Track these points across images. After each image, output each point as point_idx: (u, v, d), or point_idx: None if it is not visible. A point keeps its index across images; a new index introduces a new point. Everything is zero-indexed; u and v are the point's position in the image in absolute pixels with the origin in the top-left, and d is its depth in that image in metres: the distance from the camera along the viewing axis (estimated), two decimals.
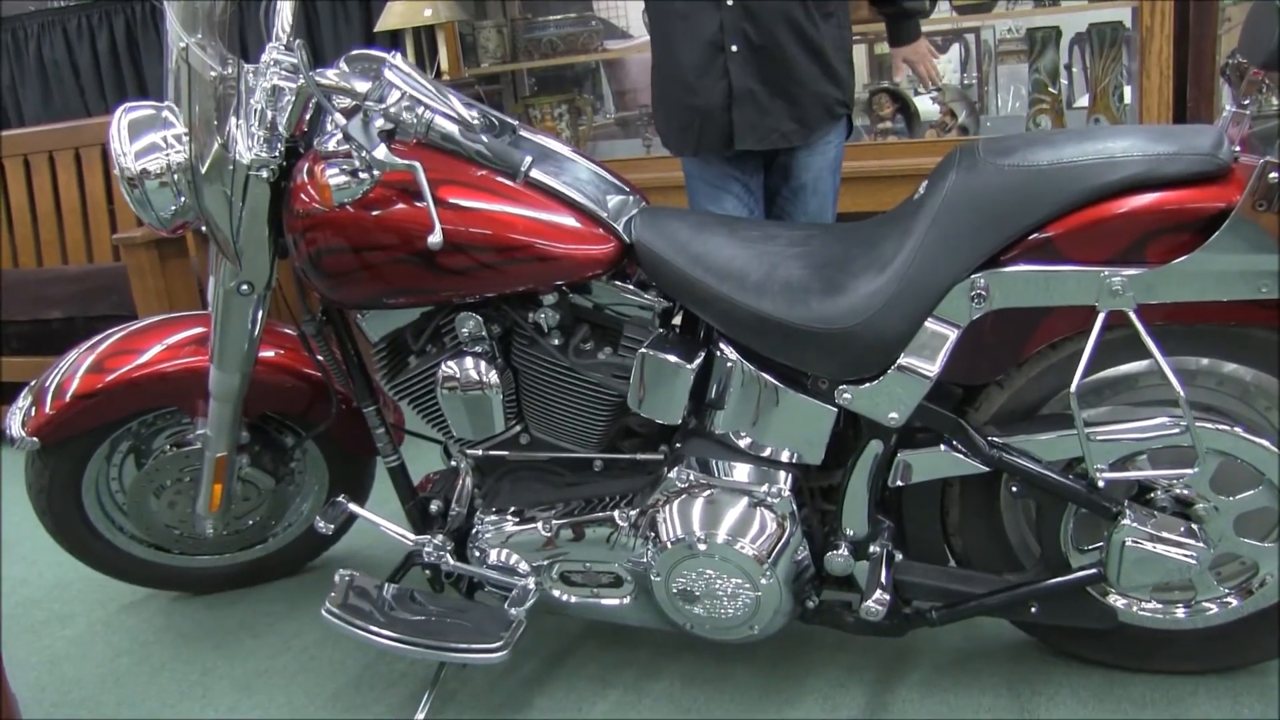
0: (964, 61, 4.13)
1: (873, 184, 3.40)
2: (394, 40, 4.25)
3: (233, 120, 1.88)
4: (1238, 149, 1.64)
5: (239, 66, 1.88)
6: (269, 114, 1.86)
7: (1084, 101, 3.69)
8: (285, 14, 1.87)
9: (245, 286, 2.01)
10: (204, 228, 1.99)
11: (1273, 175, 1.50)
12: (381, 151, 1.71)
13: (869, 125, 3.78)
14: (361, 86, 1.76)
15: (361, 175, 1.78)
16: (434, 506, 2.17)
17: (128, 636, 2.50)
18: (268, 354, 2.29)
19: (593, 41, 4.18)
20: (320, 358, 2.16)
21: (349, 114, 1.77)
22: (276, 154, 1.87)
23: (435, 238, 1.71)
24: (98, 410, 2.30)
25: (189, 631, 2.49)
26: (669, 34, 2.56)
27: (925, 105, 3.69)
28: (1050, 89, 3.47)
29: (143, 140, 1.97)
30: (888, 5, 2.73)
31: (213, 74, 1.82)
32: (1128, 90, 3.37)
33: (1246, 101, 1.67)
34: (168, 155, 1.96)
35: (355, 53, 1.96)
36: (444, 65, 4.15)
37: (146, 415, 2.39)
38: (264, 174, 1.87)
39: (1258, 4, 1.61)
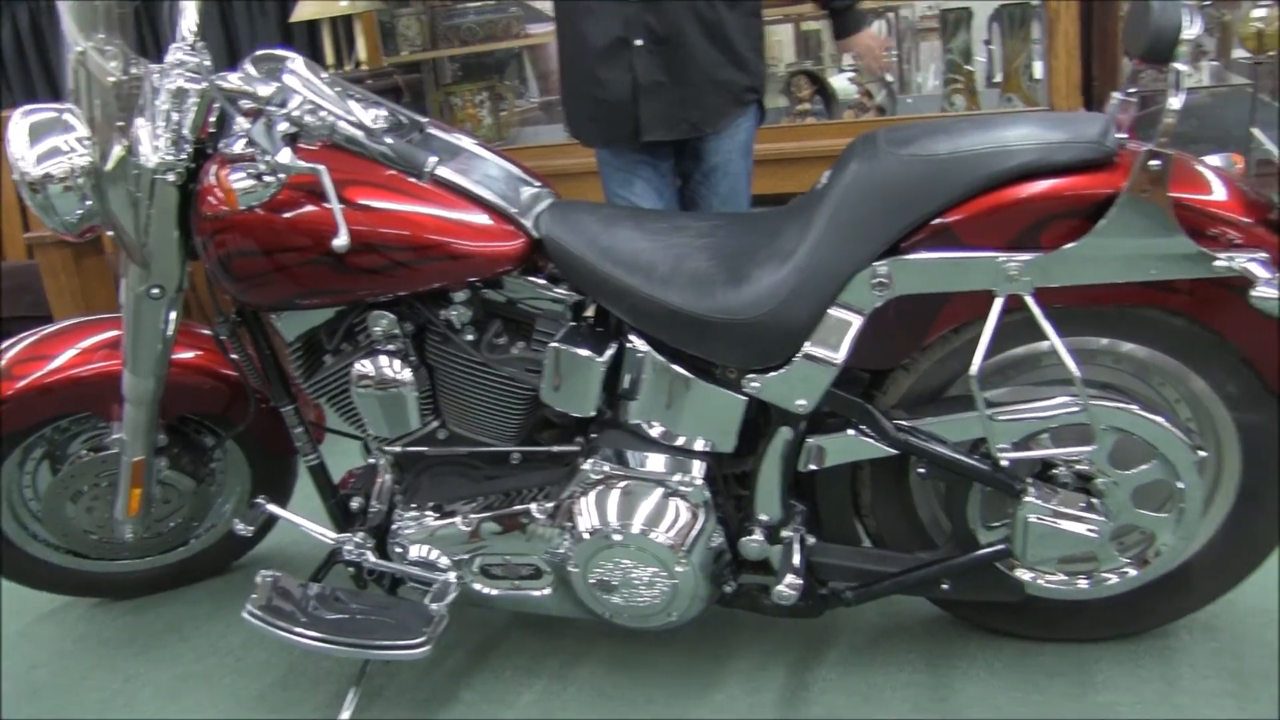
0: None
1: (793, 165, 3.43)
2: (311, 32, 4.19)
3: (138, 122, 1.85)
4: (1125, 135, 1.69)
5: (143, 67, 1.86)
6: (174, 116, 1.84)
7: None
8: (190, 13, 1.84)
9: (156, 290, 1.98)
10: (110, 233, 1.97)
11: (1153, 163, 1.55)
12: (285, 155, 1.70)
13: (788, 107, 3.82)
14: (264, 90, 1.75)
15: (267, 178, 1.77)
16: (355, 504, 2.17)
17: (45, 647, 2.46)
18: (184, 355, 2.27)
19: (513, 27, 4.18)
20: (235, 358, 2.14)
21: (254, 117, 1.76)
22: (183, 157, 1.85)
23: (341, 240, 1.71)
24: (9, 417, 2.26)
25: (111, 638, 2.46)
26: (575, 29, 2.58)
27: (843, 85, 3.73)
28: (965, 68, 3.53)
29: (44, 144, 1.93)
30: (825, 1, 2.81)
31: (111, 79, 1.80)
32: (1039, 67, 3.43)
33: (1132, 90, 1.71)
34: (71, 159, 1.92)
35: (261, 53, 1.94)
36: (362, 55, 4.11)
37: (60, 421, 2.36)
38: (170, 177, 1.85)
39: (1136, 2, 1.66)
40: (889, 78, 3.65)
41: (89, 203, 1.94)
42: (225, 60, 3.75)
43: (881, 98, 3.77)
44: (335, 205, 1.72)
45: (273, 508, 2.14)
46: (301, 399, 2.17)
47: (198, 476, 2.43)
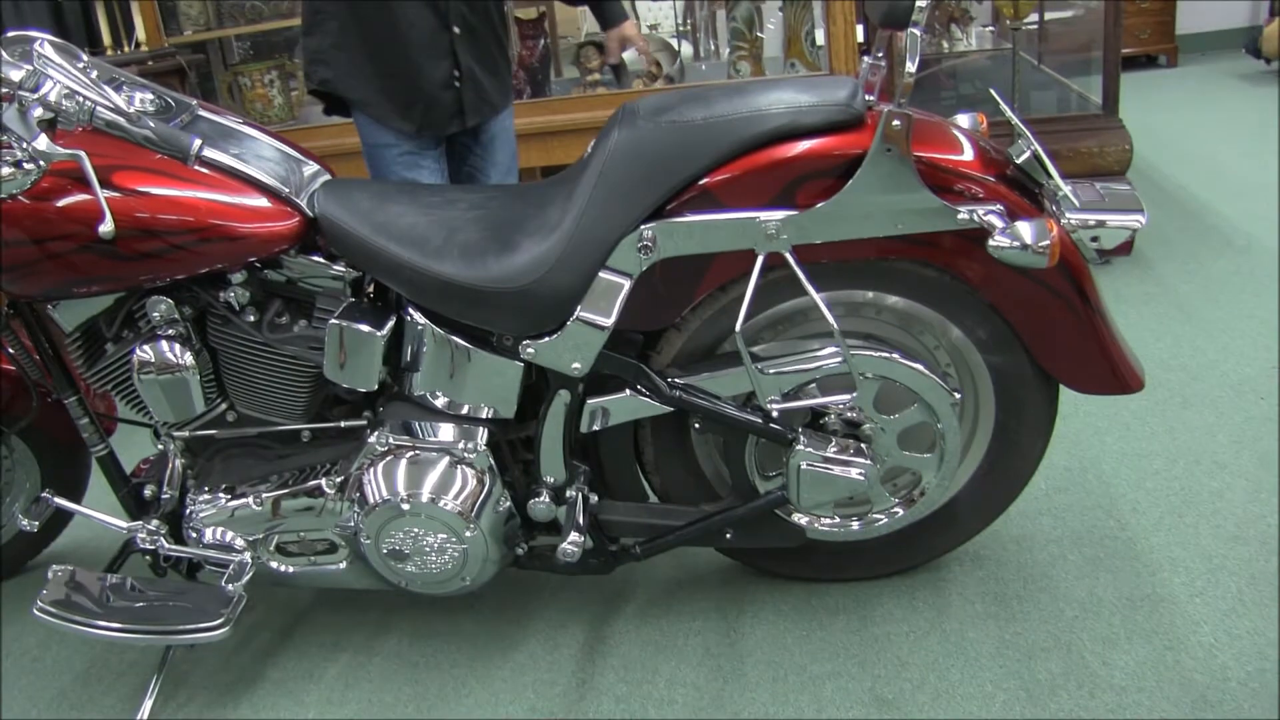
0: (677, 10, 4.25)
1: (583, 135, 3.48)
2: (85, 12, 4.02)
3: None
4: (873, 98, 1.78)
5: None
6: None
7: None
8: None
9: None
10: None
11: (895, 123, 1.64)
12: (43, 142, 1.66)
13: (578, 78, 3.87)
14: (15, 74, 1.69)
15: (27, 165, 1.72)
16: (148, 491, 2.14)
17: None
18: None
19: (299, 5, 4.10)
20: (12, 352, 2.08)
21: (7, 101, 1.71)
22: None
23: (106, 226, 1.69)
24: None
25: None
26: (389, 19, 2.56)
27: (631, 56, 3.79)
28: (748, 35, 3.63)
29: None
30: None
31: None
32: (820, 34, 3.55)
33: (880, 54, 1.81)
34: None
35: (12, 34, 1.88)
36: (141, 36, 3.97)
37: None
38: None
39: None
40: (659, 62, 3.73)
41: None
42: None
43: (673, 67, 3.84)
44: (98, 191, 1.69)
45: (59, 500, 2.10)
46: (87, 390, 2.13)
47: None
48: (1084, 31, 4.21)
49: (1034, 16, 3.62)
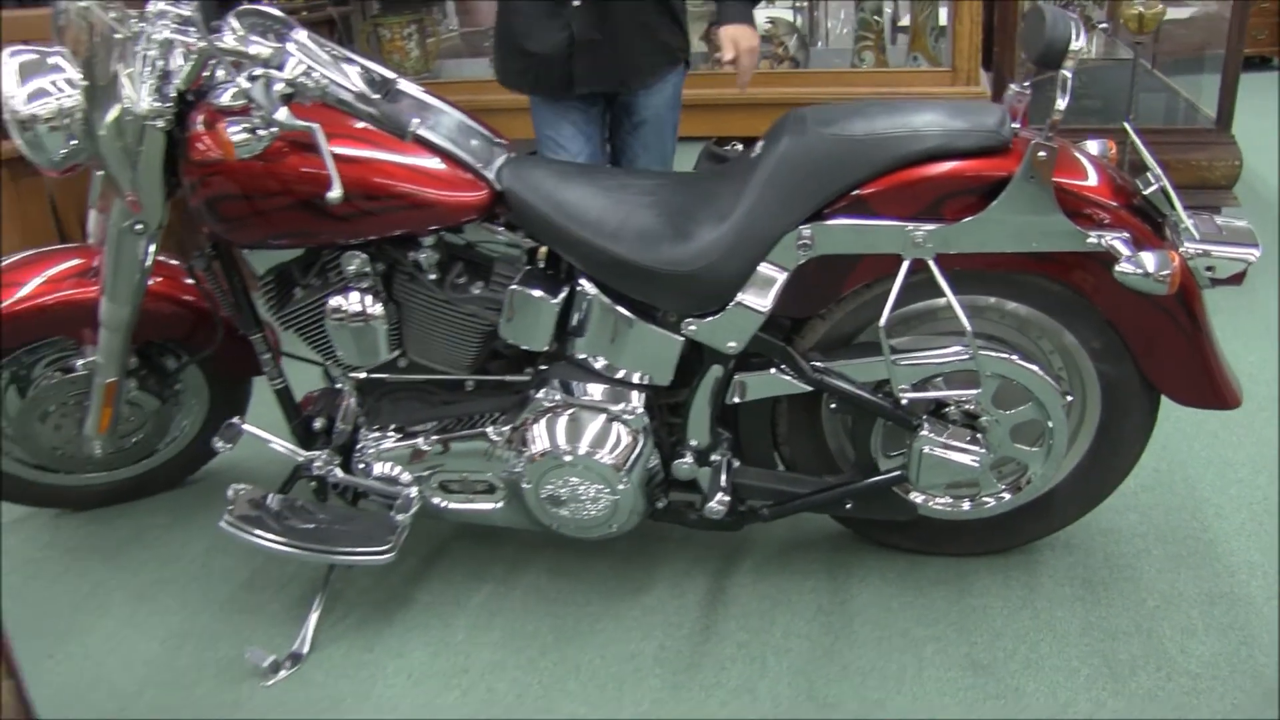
0: None
1: (711, 111, 3.65)
2: None
3: (121, 67, 1.99)
4: (1017, 125, 1.96)
5: (124, 15, 1.99)
6: (159, 65, 1.98)
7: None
8: None
9: (139, 226, 2.14)
10: (99, 172, 2.11)
11: (1041, 154, 1.83)
12: (283, 114, 1.85)
13: (707, 54, 4.02)
14: (260, 51, 1.88)
15: (261, 132, 1.90)
16: (317, 424, 2.37)
17: (12, 555, 2.61)
18: (153, 284, 2.42)
19: None
20: (208, 289, 2.31)
21: (243, 71, 1.91)
22: (169, 104, 2.00)
23: (335, 193, 1.88)
24: None
25: (76, 546, 2.64)
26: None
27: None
28: (874, 26, 3.79)
29: (32, 84, 2.05)
30: None
31: (118, 35, 1.94)
32: (943, 16, 3.69)
33: (1026, 84, 1.98)
34: (59, 100, 2.05)
35: (246, 8, 2.07)
36: None
37: (29, 345, 2.50)
38: (159, 124, 2.00)
39: (1034, 6, 1.92)
40: (785, 43, 3.84)
41: (74, 142, 2.08)
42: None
43: (795, 49, 4.00)
44: (329, 161, 1.87)
45: (249, 427, 2.32)
46: (264, 327, 2.35)
47: (162, 397, 2.61)
48: (1200, 31, 4.28)
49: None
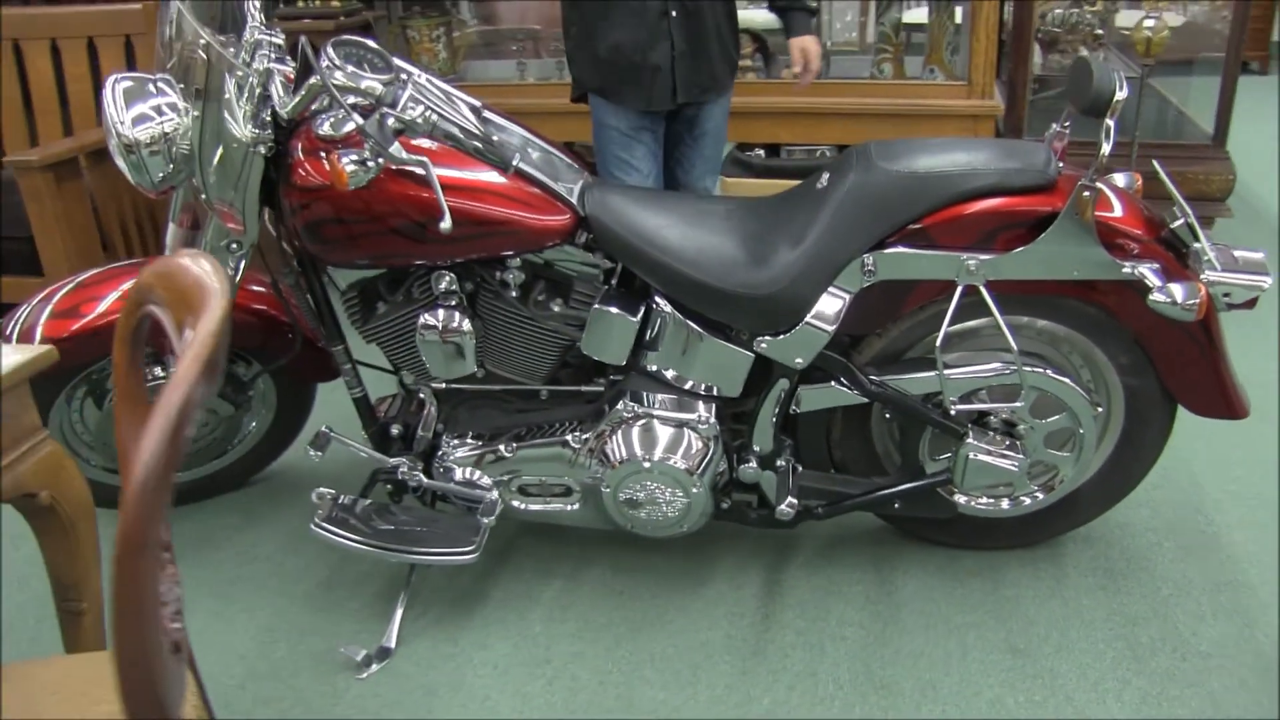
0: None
1: (733, 120, 3.81)
2: None
3: (229, 96, 2.13)
4: (1061, 164, 2.17)
5: (221, 46, 2.12)
6: (257, 91, 2.12)
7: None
8: None
9: (235, 244, 2.28)
10: (202, 196, 2.25)
11: (1085, 194, 2.04)
12: (397, 149, 1.99)
13: None
14: (373, 88, 2.01)
15: (371, 164, 2.03)
16: (394, 430, 2.52)
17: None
18: None
19: None
20: (294, 302, 2.45)
21: (363, 112, 2.03)
22: (270, 131, 2.14)
23: (446, 224, 2.01)
24: (68, 356, 2.49)
25: None
26: (615, 11, 2.90)
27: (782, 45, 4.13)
28: (894, 40, 3.99)
29: (135, 109, 2.18)
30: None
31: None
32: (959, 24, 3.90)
33: (1067, 124, 2.19)
34: (161, 125, 2.19)
35: (344, 39, 2.16)
36: None
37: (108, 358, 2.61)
38: (262, 150, 2.15)
39: (1080, 58, 2.13)
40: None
41: (171, 166, 2.22)
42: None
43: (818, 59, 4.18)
44: (439, 194, 2.01)
45: (337, 435, 2.47)
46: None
47: (236, 403, 2.75)
48: (1189, 38, 4.55)
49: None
